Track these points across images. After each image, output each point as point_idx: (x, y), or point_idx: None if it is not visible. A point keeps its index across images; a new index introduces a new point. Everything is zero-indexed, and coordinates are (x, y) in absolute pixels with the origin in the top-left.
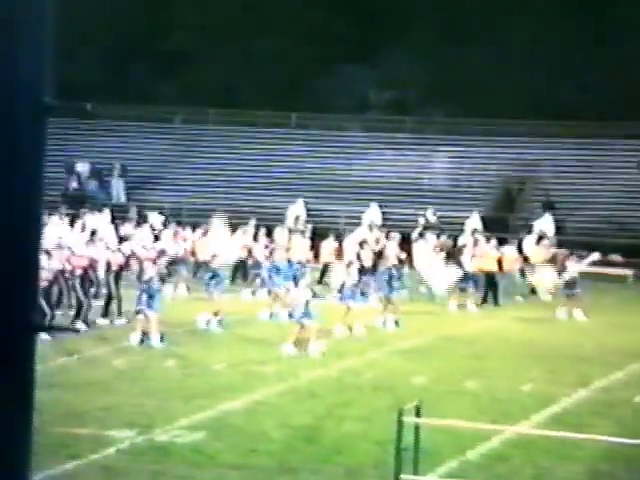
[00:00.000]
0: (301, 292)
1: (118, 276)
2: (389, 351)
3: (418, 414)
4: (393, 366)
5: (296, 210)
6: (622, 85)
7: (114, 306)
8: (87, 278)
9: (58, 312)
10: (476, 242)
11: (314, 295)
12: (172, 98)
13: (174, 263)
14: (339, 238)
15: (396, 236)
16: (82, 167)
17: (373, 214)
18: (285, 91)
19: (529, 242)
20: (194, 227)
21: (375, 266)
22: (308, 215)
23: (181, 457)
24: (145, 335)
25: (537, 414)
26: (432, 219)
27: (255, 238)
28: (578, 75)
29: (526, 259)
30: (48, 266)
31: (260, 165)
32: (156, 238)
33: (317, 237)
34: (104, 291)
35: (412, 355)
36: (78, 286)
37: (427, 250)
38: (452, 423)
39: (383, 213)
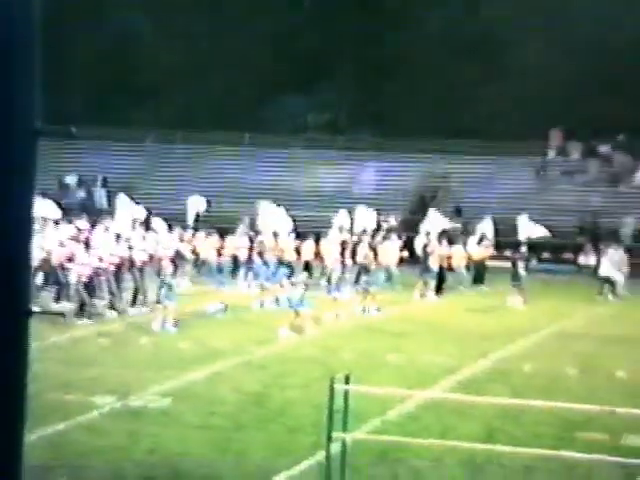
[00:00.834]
0: (296, 285)
1: (142, 272)
2: (329, 332)
3: (347, 382)
4: (329, 344)
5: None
6: (522, 109)
7: (140, 297)
8: (118, 273)
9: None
10: (429, 242)
11: (306, 288)
12: (144, 122)
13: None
14: (317, 240)
15: (366, 238)
16: (71, 179)
17: (342, 219)
18: (239, 116)
19: (472, 242)
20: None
21: (357, 264)
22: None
23: (152, 419)
24: (165, 322)
25: (445, 381)
26: (394, 223)
27: (251, 240)
28: (483, 102)
29: (470, 257)
30: (89, 263)
31: (218, 177)
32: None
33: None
34: (131, 284)
35: (342, 336)
36: (112, 280)
37: (392, 249)
38: (374, 389)
39: (319, 216)
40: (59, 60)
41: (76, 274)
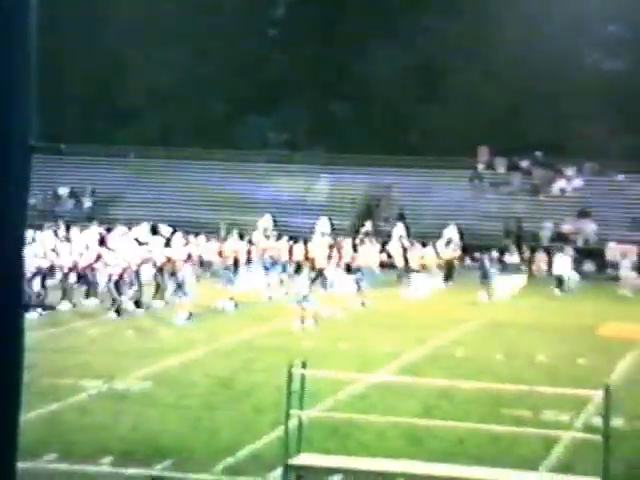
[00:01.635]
0: (301, 283)
1: (161, 271)
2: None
3: (304, 367)
4: (294, 335)
5: (264, 223)
6: (455, 129)
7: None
8: (139, 273)
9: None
10: (404, 245)
11: (312, 284)
12: (127, 139)
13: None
14: (306, 243)
15: (348, 242)
16: (63, 191)
17: (323, 225)
18: (210, 134)
19: (441, 245)
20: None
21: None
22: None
23: (134, 400)
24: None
25: (389, 365)
26: (370, 229)
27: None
28: (422, 122)
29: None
30: (118, 264)
31: (193, 188)
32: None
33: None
34: (152, 283)
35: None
36: (135, 279)
37: (371, 251)
38: (328, 373)
39: (276, 222)
40: (51, 84)
41: (106, 274)
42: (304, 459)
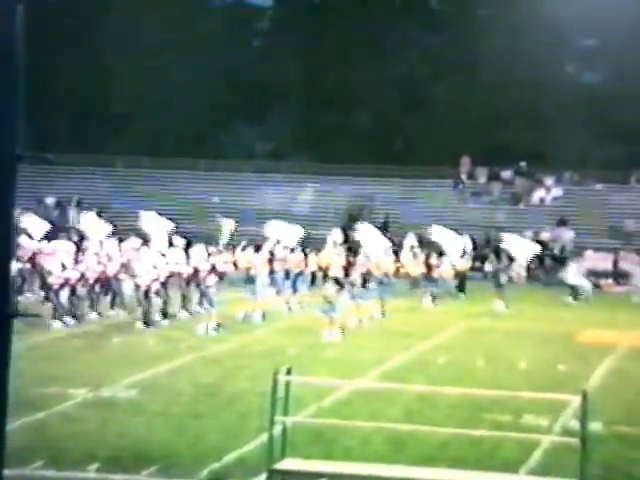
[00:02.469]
0: (327, 293)
1: (188, 283)
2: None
3: (289, 374)
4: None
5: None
6: (437, 140)
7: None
8: (166, 284)
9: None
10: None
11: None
12: (114, 149)
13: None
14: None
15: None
16: (49, 200)
17: (336, 235)
18: (196, 144)
19: (454, 255)
20: None
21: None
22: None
23: (120, 407)
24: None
25: (373, 371)
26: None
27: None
28: (405, 133)
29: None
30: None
31: (178, 197)
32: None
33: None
34: (178, 294)
35: (288, 332)
36: (162, 290)
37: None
38: (312, 380)
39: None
40: (38, 95)
41: (134, 284)
42: (288, 464)
